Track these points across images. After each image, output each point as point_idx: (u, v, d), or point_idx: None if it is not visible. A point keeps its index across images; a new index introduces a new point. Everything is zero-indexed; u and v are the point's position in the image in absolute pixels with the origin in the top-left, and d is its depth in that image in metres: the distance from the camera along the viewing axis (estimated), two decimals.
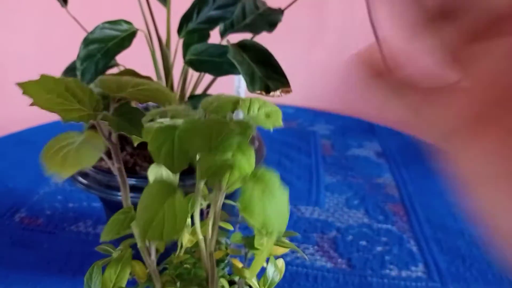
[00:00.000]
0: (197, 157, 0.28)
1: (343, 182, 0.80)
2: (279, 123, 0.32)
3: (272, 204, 0.25)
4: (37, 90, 0.23)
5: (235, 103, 0.30)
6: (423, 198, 0.76)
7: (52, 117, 0.97)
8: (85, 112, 0.24)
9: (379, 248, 0.63)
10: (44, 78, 0.24)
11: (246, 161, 0.27)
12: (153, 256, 0.31)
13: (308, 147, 0.93)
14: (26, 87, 0.23)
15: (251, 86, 0.35)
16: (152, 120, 0.28)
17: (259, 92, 0.35)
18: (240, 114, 0.33)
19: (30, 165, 0.82)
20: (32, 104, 0.22)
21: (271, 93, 0.34)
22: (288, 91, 0.35)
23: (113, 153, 0.28)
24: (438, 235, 0.67)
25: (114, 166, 0.28)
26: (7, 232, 0.64)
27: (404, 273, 0.59)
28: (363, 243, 0.64)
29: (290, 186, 0.78)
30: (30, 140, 0.90)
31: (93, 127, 0.29)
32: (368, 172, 0.84)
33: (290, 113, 1.09)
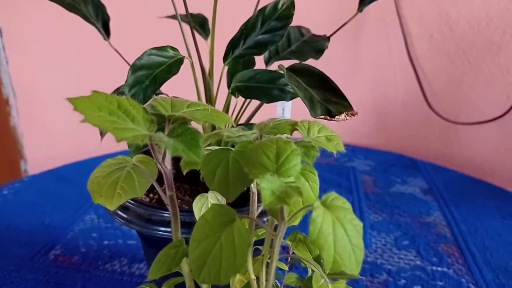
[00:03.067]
0: (254, 181, 0.25)
1: (390, 220, 0.75)
2: (341, 147, 0.29)
3: (345, 238, 0.22)
4: (89, 106, 0.21)
5: (293, 124, 0.28)
6: (478, 237, 0.70)
7: (89, 154, 0.98)
8: (139, 132, 0.22)
9: None
10: (96, 94, 0.22)
11: (311, 186, 0.24)
12: None
13: (349, 183, 0.89)
14: (77, 103, 0.21)
15: (312, 111, 0.32)
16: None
17: (322, 117, 0.32)
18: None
19: (66, 201, 0.81)
20: (83, 121, 0.20)
21: (336, 117, 0.32)
22: (354, 114, 0.33)
23: (165, 179, 0.25)
24: (501, 279, 0.60)
25: (166, 194, 0.25)
26: (41, 270, 0.62)
27: None
28: (418, 287, 0.59)
29: None
30: (66, 177, 0.90)
31: (143, 152, 0.26)
32: (416, 210, 0.78)
33: None
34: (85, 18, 0.53)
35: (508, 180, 1.00)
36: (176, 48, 0.42)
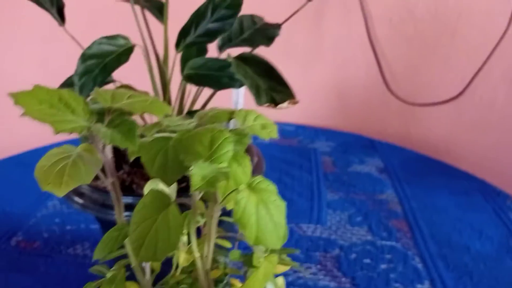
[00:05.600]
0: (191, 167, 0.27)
1: (345, 199, 0.79)
2: (275, 134, 0.31)
3: (267, 217, 0.24)
4: (29, 100, 0.22)
5: (231, 113, 0.30)
6: (426, 213, 0.75)
7: (51, 139, 0.97)
8: (77, 124, 0.23)
9: (383, 266, 0.62)
10: (37, 88, 0.23)
11: (242, 171, 0.26)
12: (148, 276, 0.29)
13: (309, 164, 0.92)
14: (17, 97, 0.22)
15: (257, 99, 0.34)
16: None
17: (267, 105, 0.34)
18: (232, 126, 0.32)
19: (28, 188, 0.81)
20: (23, 115, 0.21)
21: (279, 105, 0.34)
22: (295, 102, 0.35)
23: (106, 167, 0.27)
24: (444, 251, 0.65)
25: (108, 180, 0.27)
26: (3, 257, 0.63)
27: None
28: (367, 261, 0.63)
29: (291, 204, 0.77)
30: (28, 163, 0.90)
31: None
32: (371, 189, 0.82)
33: (290, 130, 1.09)
34: (39, 4, 0.53)
35: (462, 158, 1.06)
36: (126, 37, 0.43)
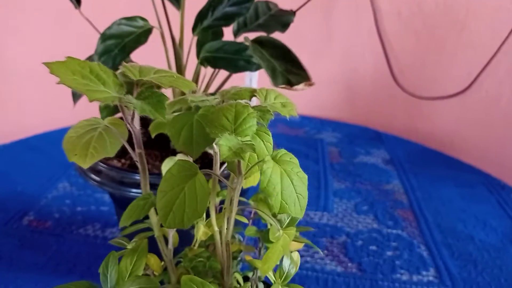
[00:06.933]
0: (216, 140, 0.28)
1: (352, 188, 0.80)
2: (294, 112, 0.32)
3: (290, 187, 0.25)
4: (63, 70, 0.23)
5: (252, 91, 0.31)
6: (431, 203, 0.76)
7: (59, 123, 0.98)
8: (109, 94, 0.24)
9: (389, 253, 0.63)
10: (70, 59, 0.24)
11: (265, 145, 0.27)
12: (170, 245, 0.30)
13: (316, 154, 0.93)
14: (53, 67, 0.23)
15: (273, 80, 0.35)
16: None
17: (282, 86, 0.35)
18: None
19: (38, 170, 0.82)
20: (59, 83, 0.22)
21: (294, 87, 0.35)
22: (311, 84, 0.36)
23: (134, 138, 0.28)
24: (449, 240, 0.66)
25: (135, 152, 0.28)
26: (15, 235, 0.64)
27: (415, 278, 0.58)
28: (373, 248, 0.64)
29: None
30: (38, 146, 0.91)
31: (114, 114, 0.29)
32: (377, 179, 0.83)
33: (297, 121, 1.10)
34: None
35: (466, 152, 1.06)
36: (145, 18, 0.44)
